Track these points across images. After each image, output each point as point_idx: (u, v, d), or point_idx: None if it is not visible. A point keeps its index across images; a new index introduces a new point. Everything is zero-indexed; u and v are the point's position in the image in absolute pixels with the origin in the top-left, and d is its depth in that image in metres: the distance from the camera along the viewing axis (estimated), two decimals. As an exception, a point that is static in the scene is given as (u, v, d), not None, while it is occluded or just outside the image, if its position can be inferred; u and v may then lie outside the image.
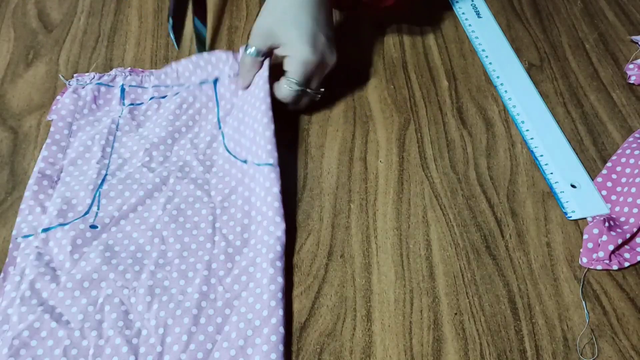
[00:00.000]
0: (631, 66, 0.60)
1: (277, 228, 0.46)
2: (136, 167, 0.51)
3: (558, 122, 0.57)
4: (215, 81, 0.57)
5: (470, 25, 0.66)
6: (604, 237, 0.47)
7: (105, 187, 0.49)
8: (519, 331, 0.44)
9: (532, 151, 0.54)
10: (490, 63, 0.62)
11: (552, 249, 0.48)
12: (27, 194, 0.48)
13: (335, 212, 0.50)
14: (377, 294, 0.45)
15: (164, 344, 0.41)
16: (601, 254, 0.46)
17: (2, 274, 0.44)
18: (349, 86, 0.59)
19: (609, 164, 0.52)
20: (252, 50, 0.54)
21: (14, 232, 0.46)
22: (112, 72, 0.57)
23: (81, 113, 0.54)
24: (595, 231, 0.48)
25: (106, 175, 0.50)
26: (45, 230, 0.46)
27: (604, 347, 0.43)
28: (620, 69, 0.62)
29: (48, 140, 0.52)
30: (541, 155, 0.54)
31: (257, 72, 0.54)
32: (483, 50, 0.63)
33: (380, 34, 0.65)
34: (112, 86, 0.56)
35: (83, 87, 0.56)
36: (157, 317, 0.42)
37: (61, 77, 0.58)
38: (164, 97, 0.56)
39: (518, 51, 0.63)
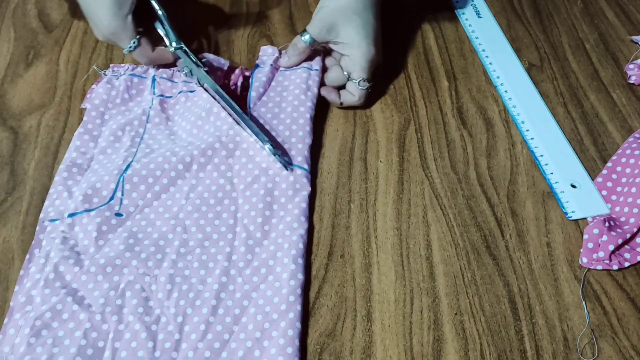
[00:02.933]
0: (631, 66, 0.60)
1: (300, 226, 0.47)
2: (159, 153, 0.51)
3: (558, 122, 0.57)
4: (256, 66, 0.58)
5: (470, 25, 0.66)
6: (604, 237, 0.47)
7: (129, 172, 0.49)
8: (519, 331, 0.44)
9: (532, 151, 0.54)
10: (490, 63, 0.62)
11: (552, 249, 0.48)
12: (56, 178, 0.49)
13: (335, 212, 0.50)
14: (377, 294, 0.45)
15: (182, 332, 0.42)
16: (601, 254, 0.46)
17: (27, 256, 0.45)
18: (349, 86, 0.59)
19: (609, 164, 0.52)
20: (307, 37, 0.55)
21: (41, 215, 0.47)
22: None
23: (114, 103, 0.55)
24: (596, 231, 0.48)
25: (132, 162, 0.50)
26: (71, 215, 0.47)
27: (604, 347, 0.43)
28: (620, 69, 0.62)
29: (80, 129, 0.53)
30: (541, 155, 0.54)
31: (304, 59, 0.57)
32: (483, 50, 0.63)
33: (380, 34, 0.65)
34: (145, 77, 0.57)
35: (117, 78, 0.57)
36: (177, 306, 0.43)
37: (95, 68, 0.59)
38: (192, 91, 0.56)
39: (518, 51, 0.63)
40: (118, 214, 0.47)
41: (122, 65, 0.58)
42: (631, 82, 0.60)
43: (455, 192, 0.52)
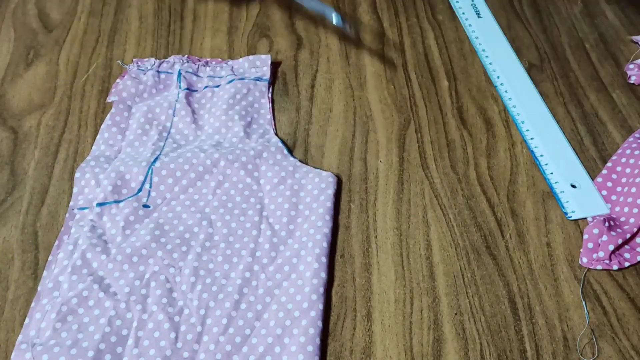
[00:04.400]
0: (631, 66, 0.60)
1: (325, 225, 0.47)
2: (187, 148, 0.52)
3: (558, 122, 0.57)
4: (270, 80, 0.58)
5: (470, 25, 0.66)
6: (604, 237, 0.47)
7: (157, 164, 0.50)
8: (519, 331, 0.44)
9: (532, 151, 0.54)
10: (490, 63, 0.62)
11: (552, 249, 0.48)
12: (83, 165, 0.50)
13: (335, 212, 0.50)
14: (377, 294, 0.45)
15: (204, 324, 0.42)
16: (601, 254, 0.46)
17: (56, 242, 0.46)
18: (349, 86, 0.59)
19: (609, 164, 0.52)
20: None
21: (71, 203, 0.48)
22: (171, 59, 0.58)
23: (141, 97, 0.56)
24: (596, 231, 0.48)
25: (159, 155, 0.51)
26: (100, 204, 0.47)
27: (604, 347, 0.43)
28: (620, 69, 0.62)
29: (108, 122, 0.53)
30: (541, 155, 0.54)
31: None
32: (483, 50, 0.63)
33: (380, 35, 0.65)
34: (171, 72, 0.58)
35: (144, 73, 0.57)
36: (200, 298, 0.43)
37: (120, 62, 0.59)
38: (217, 86, 0.57)
39: (518, 51, 0.63)
40: (145, 206, 0.48)
41: (146, 59, 0.58)
42: (631, 82, 0.60)
43: (455, 192, 0.52)
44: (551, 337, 0.44)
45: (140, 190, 0.49)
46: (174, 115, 0.54)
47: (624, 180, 0.51)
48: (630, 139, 0.54)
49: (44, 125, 0.55)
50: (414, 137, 0.55)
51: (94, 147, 0.52)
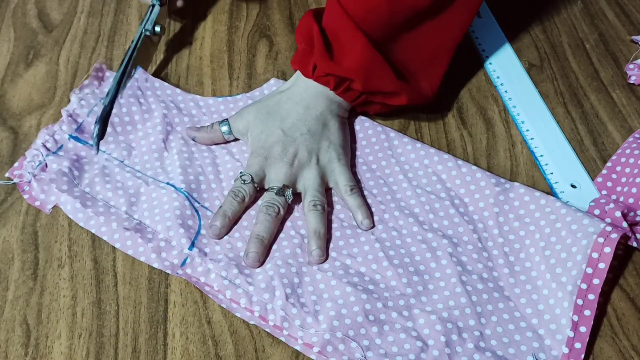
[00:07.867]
0: (631, 66, 0.60)
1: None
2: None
3: (558, 122, 0.57)
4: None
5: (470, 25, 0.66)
6: (611, 205, 0.46)
7: (182, 186, 0.49)
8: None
9: (532, 151, 0.54)
10: (490, 63, 0.62)
11: (552, 249, 0.48)
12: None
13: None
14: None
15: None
16: (608, 220, 0.46)
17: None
18: (349, 86, 0.59)
19: (609, 164, 0.52)
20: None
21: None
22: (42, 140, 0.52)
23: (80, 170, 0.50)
24: (602, 201, 0.47)
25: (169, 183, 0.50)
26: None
27: (604, 347, 0.43)
28: (620, 69, 0.62)
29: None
30: (541, 156, 0.54)
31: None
32: (483, 51, 0.63)
33: (380, 34, 0.65)
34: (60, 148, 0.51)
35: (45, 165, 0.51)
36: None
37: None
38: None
39: (518, 51, 0.63)
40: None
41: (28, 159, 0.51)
42: (631, 82, 0.60)
43: (455, 192, 0.52)
44: (551, 337, 0.44)
45: (198, 213, 0.48)
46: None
47: (623, 180, 0.50)
48: (630, 139, 0.54)
49: (44, 125, 0.55)
50: (413, 137, 0.55)
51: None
